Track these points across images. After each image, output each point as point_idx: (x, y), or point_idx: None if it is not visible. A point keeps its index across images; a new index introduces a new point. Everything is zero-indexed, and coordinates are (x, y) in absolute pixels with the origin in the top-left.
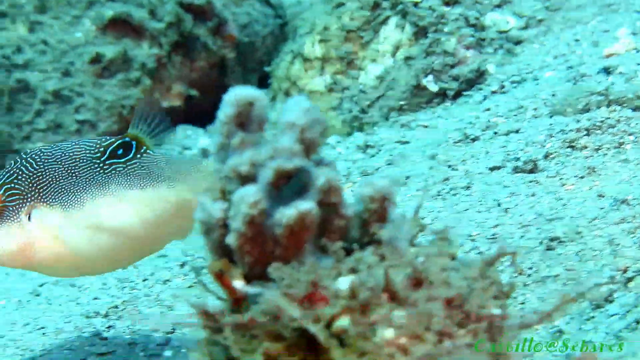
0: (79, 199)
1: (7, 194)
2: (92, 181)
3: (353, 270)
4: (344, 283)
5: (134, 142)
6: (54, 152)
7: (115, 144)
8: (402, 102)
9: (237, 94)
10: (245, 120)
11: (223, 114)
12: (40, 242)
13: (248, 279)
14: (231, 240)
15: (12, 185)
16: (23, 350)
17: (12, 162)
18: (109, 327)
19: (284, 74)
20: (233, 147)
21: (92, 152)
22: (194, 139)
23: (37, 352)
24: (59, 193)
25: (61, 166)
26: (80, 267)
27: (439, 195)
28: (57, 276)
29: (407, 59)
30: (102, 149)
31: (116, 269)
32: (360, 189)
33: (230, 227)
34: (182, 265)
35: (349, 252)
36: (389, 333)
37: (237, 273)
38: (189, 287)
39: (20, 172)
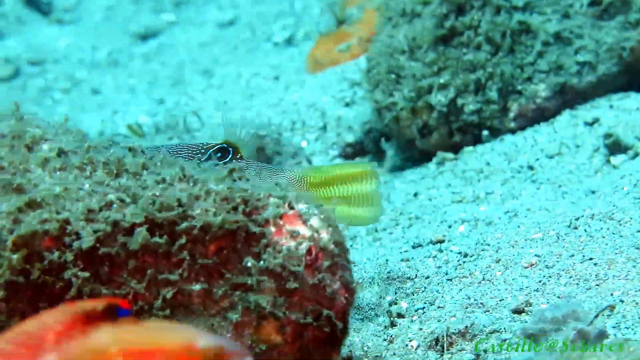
0: None
1: None
2: None
3: None
4: None
5: (230, 149)
6: (173, 150)
7: (215, 148)
8: None
9: None
10: None
11: None
12: None
13: None
14: None
15: None
16: (577, 280)
17: None
18: None
19: None
20: None
21: (197, 152)
22: None
23: (591, 282)
24: None
25: None
26: None
27: None
28: None
29: None
30: (203, 150)
31: None
32: None
33: None
34: None
35: None
36: None
37: None
38: None
39: None
